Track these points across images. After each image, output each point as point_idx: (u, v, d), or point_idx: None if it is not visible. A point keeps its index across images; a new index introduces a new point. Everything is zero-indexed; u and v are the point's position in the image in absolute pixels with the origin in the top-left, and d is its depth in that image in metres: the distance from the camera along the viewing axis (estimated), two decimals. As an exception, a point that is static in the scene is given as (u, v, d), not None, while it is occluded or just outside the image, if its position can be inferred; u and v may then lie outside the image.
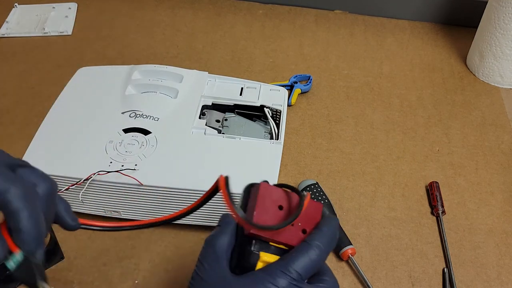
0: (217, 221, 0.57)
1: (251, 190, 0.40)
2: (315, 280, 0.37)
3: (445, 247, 0.65)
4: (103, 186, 0.58)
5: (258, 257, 0.37)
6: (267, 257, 0.37)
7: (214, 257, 0.37)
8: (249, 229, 0.35)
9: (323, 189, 0.68)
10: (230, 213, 0.35)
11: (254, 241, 0.38)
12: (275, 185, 0.40)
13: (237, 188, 0.57)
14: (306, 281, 0.37)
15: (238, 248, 0.38)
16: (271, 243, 0.38)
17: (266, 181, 0.39)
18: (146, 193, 0.59)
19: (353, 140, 0.79)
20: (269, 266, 0.36)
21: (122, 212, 0.62)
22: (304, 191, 0.41)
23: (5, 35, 0.98)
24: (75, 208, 0.63)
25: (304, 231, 0.39)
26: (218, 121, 0.68)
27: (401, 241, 0.66)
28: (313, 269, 0.36)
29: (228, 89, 0.70)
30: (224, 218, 0.40)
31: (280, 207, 0.39)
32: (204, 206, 0.59)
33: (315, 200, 0.65)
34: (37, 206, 0.33)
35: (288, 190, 0.40)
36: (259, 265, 0.37)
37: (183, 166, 0.59)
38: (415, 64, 0.96)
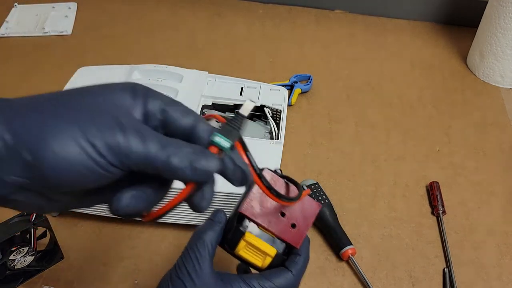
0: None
1: None
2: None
3: (446, 247, 0.65)
4: (103, 186, 0.58)
5: (243, 234, 0.39)
6: (250, 238, 0.39)
7: (202, 252, 0.38)
8: (273, 199, 0.36)
9: (323, 189, 0.68)
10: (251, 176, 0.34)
11: (245, 220, 0.39)
12: (279, 175, 0.41)
13: (237, 188, 0.57)
14: None
15: (230, 223, 0.40)
16: (259, 227, 0.39)
17: (268, 168, 0.41)
18: (146, 193, 0.58)
19: (353, 140, 0.79)
20: (249, 276, 0.38)
21: (122, 212, 0.62)
22: (305, 186, 0.41)
23: (5, 35, 0.98)
24: (76, 208, 0.63)
25: (293, 225, 0.40)
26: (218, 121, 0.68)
27: (402, 241, 0.66)
28: None
29: (228, 89, 0.70)
30: (217, 214, 0.41)
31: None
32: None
33: (315, 199, 0.65)
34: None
35: (289, 182, 0.41)
36: (242, 243, 0.39)
37: (183, 166, 0.59)
38: (415, 64, 0.96)
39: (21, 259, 0.56)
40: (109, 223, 0.65)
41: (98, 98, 0.30)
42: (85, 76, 0.72)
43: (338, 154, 0.77)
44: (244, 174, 0.33)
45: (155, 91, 0.32)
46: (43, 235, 0.58)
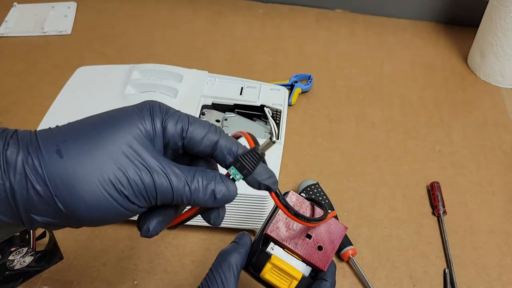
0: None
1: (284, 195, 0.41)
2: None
3: (446, 247, 0.64)
4: (103, 186, 0.58)
5: (269, 257, 0.39)
6: (277, 261, 0.38)
7: (227, 274, 0.39)
8: (300, 222, 0.36)
9: (323, 189, 0.67)
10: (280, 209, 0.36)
11: (270, 242, 0.39)
12: (304, 197, 0.42)
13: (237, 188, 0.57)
14: None
15: (255, 245, 0.40)
16: (285, 249, 0.39)
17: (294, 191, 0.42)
18: (146, 193, 0.58)
19: (354, 140, 0.79)
20: None
21: (121, 212, 0.62)
22: (329, 210, 0.42)
23: (4, 35, 0.97)
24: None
25: (320, 248, 0.40)
26: (218, 121, 0.68)
27: (402, 241, 0.65)
28: None
29: (228, 88, 0.70)
30: (242, 236, 0.41)
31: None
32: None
33: (319, 196, 0.65)
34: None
35: (315, 204, 0.41)
36: (268, 266, 0.38)
37: (183, 166, 0.59)
38: (416, 63, 0.96)
39: (20, 259, 0.56)
40: (108, 223, 0.65)
41: (117, 133, 0.31)
42: (85, 76, 0.72)
43: (338, 154, 0.77)
44: (269, 188, 0.35)
45: (173, 109, 0.33)
46: (43, 235, 0.58)
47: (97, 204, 0.29)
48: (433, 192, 0.70)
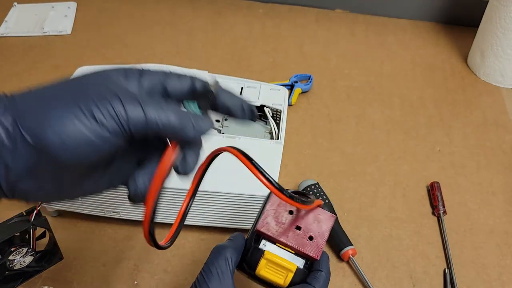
0: (215, 222, 0.57)
1: (269, 195, 0.42)
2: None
3: (446, 247, 0.64)
4: (103, 186, 0.58)
5: (263, 253, 0.39)
6: (270, 256, 0.39)
7: (223, 268, 0.38)
8: (282, 198, 0.36)
9: (323, 189, 0.67)
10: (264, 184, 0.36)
11: (262, 239, 0.40)
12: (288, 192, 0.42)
13: (237, 188, 0.57)
14: None
15: (248, 243, 0.41)
16: (277, 244, 0.40)
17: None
18: (146, 193, 0.58)
19: (354, 140, 0.79)
20: None
21: (121, 213, 0.62)
22: (313, 197, 0.42)
23: (4, 35, 0.97)
24: (75, 208, 0.62)
25: (310, 238, 0.40)
26: (218, 121, 0.68)
27: (402, 241, 0.65)
28: None
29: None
30: (236, 235, 0.41)
31: (290, 212, 0.41)
32: (205, 207, 0.59)
33: (319, 196, 0.65)
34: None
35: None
36: (262, 262, 0.39)
37: (183, 166, 0.59)
38: (416, 63, 0.96)
39: (20, 259, 0.56)
40: (108, 223, 0.65)
41: (94, 79, 0.31)
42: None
43: (338, 154, 0.77)
44: (248, 107, 0.35)
45: (148, 70, 0.33)
46: (43, 235, 0.58)
47: (67, 132, 0.27)
48: (433, 192, 0.70)
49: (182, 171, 0.33)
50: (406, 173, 0.74)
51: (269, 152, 0.62)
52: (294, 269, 0.39)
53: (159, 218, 0.62)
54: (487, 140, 0.81)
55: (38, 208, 0.54)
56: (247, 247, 0.41)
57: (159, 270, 0.61)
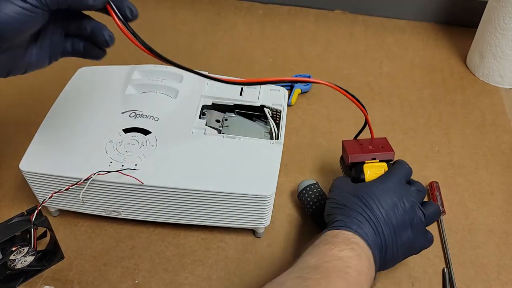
0: (215, 222, 0.58)
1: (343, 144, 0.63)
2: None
3: (445, 247, 0.65)
4: (103, 186, 0.58)
5: (362, 166, 0.59)
6: (369, 167, 0.59)
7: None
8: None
9: (323, 189, 0.68)
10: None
11: (353, 167, 0.60)
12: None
13: (237, 188, 0.57)
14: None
15: (347, 173, 0.62)
16: (365, 162, 0.59)
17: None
18: (146, 193, 0.59)
19: (353, 140, 0.79)
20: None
21: (122, 212, 0.62)
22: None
23: (5, 35, 0.98)
24: (76, 208, 0.63)
25: (382, 148, 0.61)
26: (218, 121, 0.68)
27: (401, 241, 0.66)
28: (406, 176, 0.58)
29: (228, 89, 0.70)
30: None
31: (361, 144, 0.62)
32: (205, 207, 0.60)
33: (318, 196, 0.66)
34: None
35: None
36: (365, 171, 0.58)
37: (183, 166, 0.59)
38: (415, 64, 0.96)
39: (21, 259, 0.56)
40: (109, 223, 0.65)
41: None
42: (85, 76, 0.72)
43: (338, 154, 0.77)
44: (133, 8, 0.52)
45: None
46: (43, 235, 0.59)
47: (3, 10, 0.40)
48: (432, 192, 0.70)
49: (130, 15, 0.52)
50: (405, 173, 0.74)
51: (269, 152, 0.62)
52: (386, 166, 0.59)
53: (150, 217, 0.62)
54: (486, 140, 0.81)
55: (39, 208, 0.55)
56: (350, 176, 0.60)
57: (159, 269, 0.61)
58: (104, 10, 0.49)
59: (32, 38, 0.47)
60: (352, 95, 0.58)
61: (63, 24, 0.50)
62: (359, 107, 0.59)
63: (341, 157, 0.64)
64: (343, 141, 0.62)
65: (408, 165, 0.59)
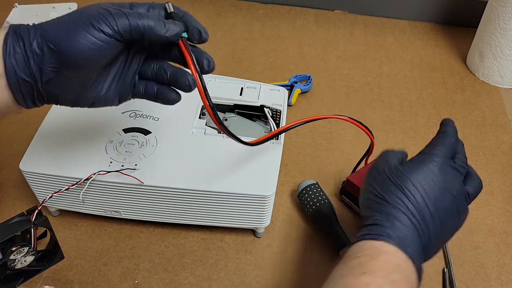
0: (215, 222, 0.57)
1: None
2: None
3: (445, 247, 0.65)
4: (103, 186, 0.58)
5: None
6: None
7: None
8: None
9: (323, 189, 0.68)
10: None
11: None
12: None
13: (237, 188, 0.57)
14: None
15: None
16: None
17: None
18: (146, 193, 0.59)
19: (353, 140, 0.79)
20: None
21: (122, 212, 0.62)
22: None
23: (5, 35, 0.98)
24: (76, 208, 0.63)
25: None
26: (218, 121, 0.68)
27: (401, 241, 0.66)
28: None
29: (228, 89, 0.70)
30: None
31: None
32: (205, 207, 0.60)
33: (318, 196, 0.66)
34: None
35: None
36: None
37: (183, 166, 0.59)
38: (415, 64, 0.96)
39: (21, 259, 0.56)
40: (109, 223, 0.65)
41: (92, 5, 0.44)
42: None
43: (337, 154, 0.77)
44: (203, 30, 0.53)
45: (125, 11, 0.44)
46: (44, 235, 0.59)
47: (79, 40, 0.41)
48: (432, 192, 0.70)
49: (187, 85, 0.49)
50: (405, 173, 0.74)
51: (269, 152, 0.62)
52: None
53: (167, 218, 0.62)
54: (485, 140, 0.81)
55: (39, 208, 0.55)
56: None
57: (159, 269, 0.61)
58: (181, 56, 0.48)
59: (104, 72, 0.46)
60: (365, 126, 0.60)
61: (138, 65, 0.49)
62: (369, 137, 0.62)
63: (342, 191, 0.68)
64: (348, 178, 0.66)
65: (453, 134, 0.52)
